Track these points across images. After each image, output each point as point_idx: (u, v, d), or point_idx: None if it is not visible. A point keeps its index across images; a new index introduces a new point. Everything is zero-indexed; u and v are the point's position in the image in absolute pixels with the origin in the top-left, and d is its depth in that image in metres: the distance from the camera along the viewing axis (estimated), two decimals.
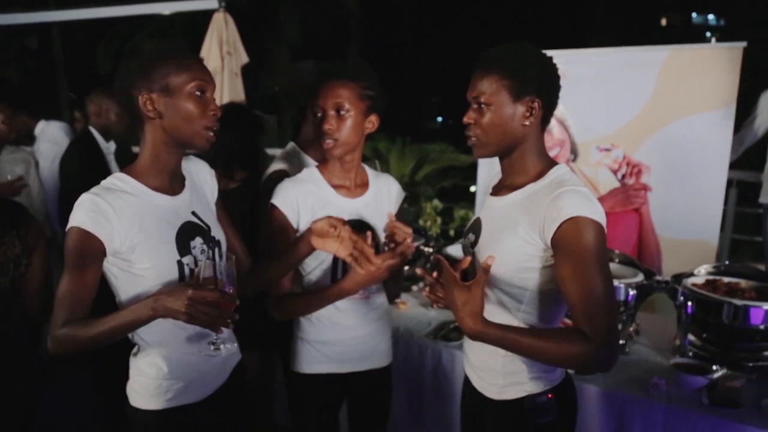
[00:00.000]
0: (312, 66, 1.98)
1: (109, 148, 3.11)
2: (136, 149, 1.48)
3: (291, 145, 2.05)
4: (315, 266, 1.61)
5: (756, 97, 3.21)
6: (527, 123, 1.27)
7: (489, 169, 3.50)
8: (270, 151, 5.61)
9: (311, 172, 1.63)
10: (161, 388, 1.33)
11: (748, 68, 2.80)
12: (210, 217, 1.44)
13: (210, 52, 4.04)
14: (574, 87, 3.18)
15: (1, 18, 5.98)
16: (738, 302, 1.87)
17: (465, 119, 1.32)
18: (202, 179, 1.49)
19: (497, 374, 1.34)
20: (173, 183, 1.37)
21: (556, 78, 1.30)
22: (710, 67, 2.84)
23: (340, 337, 1.65)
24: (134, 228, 1.24)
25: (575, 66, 3.19)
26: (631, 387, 1.84)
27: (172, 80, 1.25)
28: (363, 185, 1.66)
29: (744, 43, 2.76)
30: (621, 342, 2.09)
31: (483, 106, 1.28)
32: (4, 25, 8.86)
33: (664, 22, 20.01)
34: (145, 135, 1.31)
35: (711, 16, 20.95)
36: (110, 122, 3.05)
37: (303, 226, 1.57)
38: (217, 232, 1.43)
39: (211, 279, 1.20)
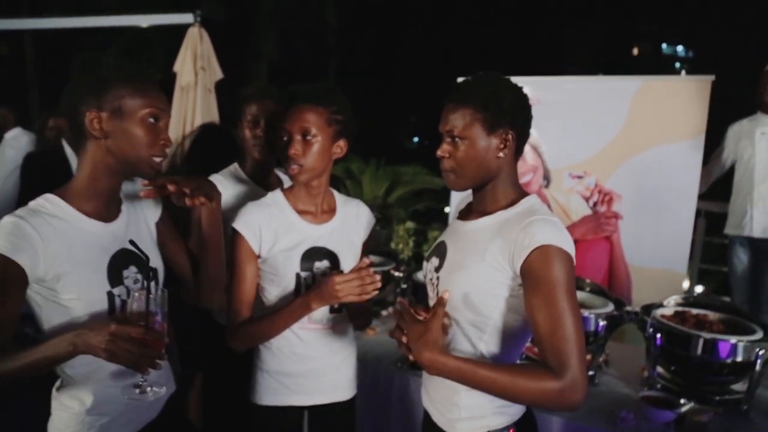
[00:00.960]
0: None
1: None
2: None
3: (234, 165, 1.96)
4: (277, 295, 1.56)
5: (724, 129, 3.28)
6: (501, 155, 1.27)
7: (463, 192, 3.49)
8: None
9: (275, 196, 1.58)
10: (84, 423, 1.25)
11: (716, 100, 2.85)
12: (149, 243, 1.36)
13: (184, 67, 3.98)
14: (548, 114, 3.20)
15: None
16: (706, 335, 1.87)
17: (439, 152, 1.31)
18: (143, 203, 1.40)
19: (458, 409, 1.30)
20: (109, 208, 1.30)
21: (529, 109, 1.30)
22: (680, 99, 2.89)
23: (301, 368, 1.59)
24: (61, 255, 1.17)
25: (550, 93, 3.21)
26: (599, 420, 1.82)
27: (126, 103, 1.20)
28: (330, 211, 1.62)
29: (712, 77, 2.82)
30: (590, 373, 2.07)
31: (457, 139, 1.27)
32: None
33: (635, 51, 20.58)
34: (85, 154, 1.23)
35: (680, 47, 21.63)
36: None
37: (264, 252, 1.52)
38: (156, 261, 1.35)
39: (142, 314, 1.11)
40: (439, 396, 1.36)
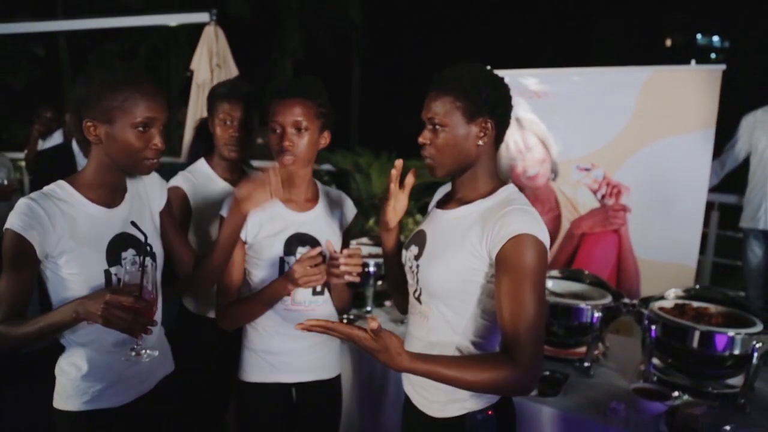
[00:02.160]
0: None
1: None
2: None
3: (201, 161, 1.99)
4: (261, 278, 1.63)
5: (738, 119, 3.20)
6: (480, 143, 1.30)
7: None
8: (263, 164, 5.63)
9: None
10: (79, 389, 1.36)
11: (741, 90, 2.79)
12: (150, 229, 1.45)
13: (200, 65, 4.08)
14: (556, 106, 3.19)
15: (9, 27, 6.06)
16: (702, 328, 1.85)
17: (420, 139, 1.34)
18: (149, 192, 1.52)
19: (438, 391, 1.33)
20: (113, 196, 1.42)
21: (509, 99, 1.33)
22: (690, 89, 2.84)
23: (285, 347, 1.67)
24: (65, 235, 1.29)
25: (557, 85, 3.19)
26: (590, 410, 1.81)
27: (117, 114, 1.29)
28: (312, 199, 1.69)
29: (723, 66, 2.76)
30: (586, 365, 2.07)
31: (437, 127, 1.30)
32: (12, 33, 9.00)
33: (668, 42, 20.07)
34: (92, 151, 1.38)
35: (716, 38, 20.99)
36: None
37: (251, 239, 1.61)
38: (155, 245, 1.45)
39: (135, 285, 1.21)
40: (419, 379, 1.39)
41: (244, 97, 1.89)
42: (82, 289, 1.30)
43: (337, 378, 1.79)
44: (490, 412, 1.31)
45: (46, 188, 1.33)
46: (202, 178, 1.93)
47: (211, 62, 4.05)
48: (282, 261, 1.61)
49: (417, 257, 1.39)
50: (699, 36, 20.81)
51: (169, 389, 1.55)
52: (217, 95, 1.91)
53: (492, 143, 1.33)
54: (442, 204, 1.44)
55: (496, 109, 1.29)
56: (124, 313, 1.16)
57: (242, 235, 1.59)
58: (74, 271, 1.30)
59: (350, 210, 1.77)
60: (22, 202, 1.27)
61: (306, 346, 1.68)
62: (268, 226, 1.60)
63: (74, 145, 3.03)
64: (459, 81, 1.28)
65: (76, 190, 1.35)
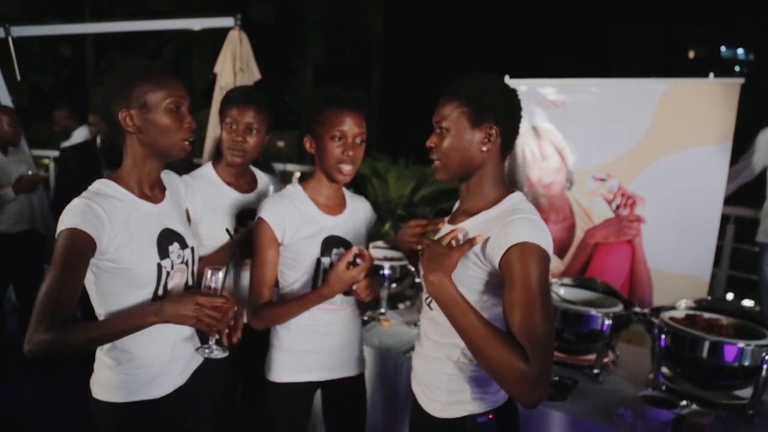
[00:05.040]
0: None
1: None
2: None
3: (207, 166, 2.03)
4: (296, 278, 1.68)
5: (755, 133, 3.19)
6: (485, 149, 1.32)
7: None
8: (289, 167, 5.71)
9: (296, 189, 1.71)
10: (122, 382, 1.40)
11: (765, 103, 2.79)
12: (185, 226, 1.53)
13: (224, 68, 4.16)
14: (573, 116, 3.22)
15: (39, 29, 6.22)
16: (711, 338, 1.86)
17: (427, 143, 1.38)
18: (178, 191, 1.59)
19: (441, 391, 1.37)
20: (154, 191, 1.46)
21: (516, 108, 1.35)
22: (708, 102, 2.85)
23: (316, 345, 1.72)
24: (122, 230, 1.32)
25: (575, 95, 3.22)
26: (597, 416, 1.83)
27: (150, 98, 1.33)
28: (342, 204, 1.76)
29: (741, 80, 2.77)
30: (595, 371, 2.09)
31: (443, 130, 1.33)
32: (41, 35, 9.21)
33: (692, 54, 19.90)
34: (126, 147, 1.41)
35: (740, 50, 20.76)
36: None
37: (287, 240, 1.64)
38: (191, 241, 1.52)
39: (216, 288, 1.33)
40: (425, 378, 1.43)
41: (254, 104, 1.91)
42: (133, 283, 1.35)
43: (362, 376, 1.84)
44: (491, 416, 1.34)
45: (93, 187, 1.36)
46: (203, 182, 1.95)
47: (235, 66, 4.13)
48: (318, 262, 1.66)
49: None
50: (723, 48, 20.60)
51: (202, 382, 1.60)
52: (227, 100, 1.95)
53: (498, 151, 1.34)
54: (453, 218, 1.45)
55: (501, 117, 1.31)
56: (215, 312, 1.27)
57: (279, 236, 1.63)
58: (129, 265, 1.34)
59: (371, 214, 1.86)
60: (77, 202, 1.29)
61: (336, 342, 1.73)
62: (305, 228, 1.65)
63: (99, 143, 3.12)
64: (466, 87, 1.32)
65: (121, 186, 1.38)
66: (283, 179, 4.19)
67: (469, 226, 1.34)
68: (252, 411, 2.17)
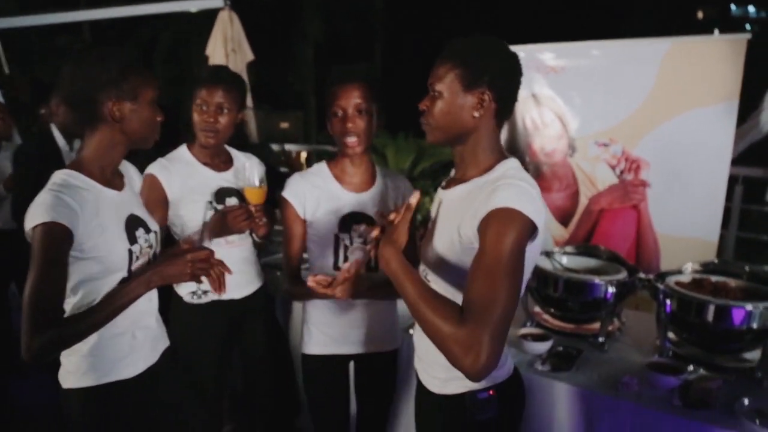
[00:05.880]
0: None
1: (72, 147, 2.99)
2: None
3: (182, 147, 2.02)
4: (319, 253, 1.75)
5: (765, 90, 3.09)
6: (476, 114, 1.25)
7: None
8: (295, 147, 5.65)
9: (320, 167, 1.75)
10: (92, 365, 1.41)
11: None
12: (145, 212, 1.57)
13: (215, 50, 4.11)
14: (573, 81, 3.14)
15: (33, 18, 6.15)
16: (718, 302, 1.81)
17: (420, 105, 1.33)
18: (132, 178, 1.61)
19: (440, 367, 1.33)
20: (115, 179, 1.49)
21: (514, 74, 1.27)
22: (713, 60, 2.75)
23: (340, 321, 1.76)
24: (93, 219, 1.34)
25: (575, 59, 3.13)
26: (602, 385, 1.80)
27: (140, 90, 1.39)
28: (369, 181, 1.76)
29: (748, 35, 2.66)
30: (600, 340, 2.05)
31: (436, 93, 1.27)
32: (36, 26, 9.15)
33: (700, 14, 19.39)
34: (94, 134, 1.41)
35: (751, 8, 20.21)
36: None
37: (309, 216, 1.72)
38: (153, 225, 1.57)
39: (194, 240, 1.50)
40: (425, 355, 1.40)
41: (223, 83, 1.88)
42: (106, 269, 1.37)
43: (395, 352, 1.86)
44: (491, 392, 1.30)
45: (57, 179, 1.34)
46: (179, 164, 1.94)
47: (226, 47, 4.08)
48: (337, 238, 1.70)
49: (421, 238, 1.41)
50: (733, 7, 20.06)
51: (172, 363, 1.65)
52: (196, 80, 1.91)
53: (492, 117, 1.27)
54: (447, 184, 1.41)
55: (496, 82, 1.23)
56: (206, 263, 1.41)
57: (301, 213, 1.71)
58: (103, 253, 1.35)
59: (408, 190, 1.82)
60: (46, 196, 1.28)
61: (360, 318, 1.76)
62: (325, 204, 1.70)
63: (54, 130, 2.98)
64: (462, 50, 1.26)
65: (85, 176, 1.38)
66: (287, 161, 4.14)
67: (459, 194, 1.30)
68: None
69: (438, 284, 1.30)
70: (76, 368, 1.41)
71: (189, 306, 1.96)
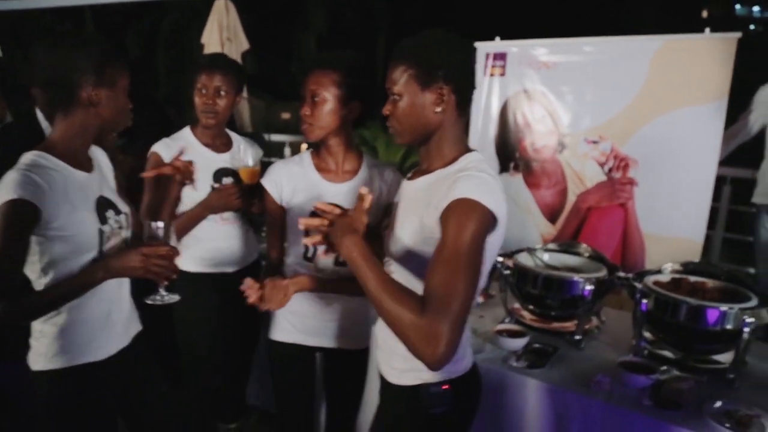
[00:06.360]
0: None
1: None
2: None
3: (186, 129, 2.21)
4: (293, 240, 1.76)
5: (753, 90, 3.07)
6: (438, 110, 1.26)
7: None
8: (295, 138, 5.63)
9: (304, 155, 1.76)
10: (63, 347, 1.43)
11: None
12: (115, 194, 1.61)
13: (211, 38, 4.10)
14: (564, 77, 3.12)
15: (34, 1, 6.12)
16: (692, 302, 1.81)
17: (383, 111, 1.33)
18: (103, 163, 1.65)
19: (398, 357, 1.34)
20: (85, 161, 1.51)
21: (467, 63, 1.29)
22: (703, 59, 2.73)
23: (307, 310, 1.76)
24: (61, 199, 1.36)
25: (567, 55, 3.11)
26: (575, 383, 1.80)
27: (117, 78, 1.45)
28: (353, 171, 1.73)
29: (738, 34, 2.64)
30: (577, 337, 2.05)
31: (396, 96, 1.28)
32: (38, 9, 9.12)
33: (705, 13, 19.26)
34: (67, 117, 1.44)
35: (756, 8, 20.08)
36: None
37: (285, 203, 1.73)
38: (124, 207, 1.60)
39: (157, 238, 1.42)
40: (384, 344, 1.41)
41: (221, 68, 2.06)
42: (77, 249, 1.40)
43: (365, 350, 1.83)
44: (445, 386, 1.31)
45: (27, 160, 1.38)
46: (181, 144, 2.04)
47: (222, 36, 4.07)
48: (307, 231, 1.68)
49: (385, 228, 1.41)
50: (738, 7, 19.93)
51: (144, 347, 1.67)
52: (196, 66, 2.10)
53: (453, 109, 1.28)
54: (412, 175, 1.42)
55: (451, 74, 1.24)
56: (162, 261, 1.37)
57: (277, 200, 1.72)
58: (73, 232, 1.38)
59: (396, 181, 1.75)
60: (14, 175, 1.31)
61: (328, 311, 1.75)
62: (302, 193, 1.70)
63: (38, 113, 2.98)
64: (411, 49, 1.26)
65: (55, 157, 1.41)
66: (282, 150, 4.14)
67: (423, 184, 1.32)
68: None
69: (400, 274, 1.31)
70: (46, 350, 1.43)
71: (182, 273, 2.03)
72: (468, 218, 1.10)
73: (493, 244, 1.20)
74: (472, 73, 1.29)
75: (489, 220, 1.13)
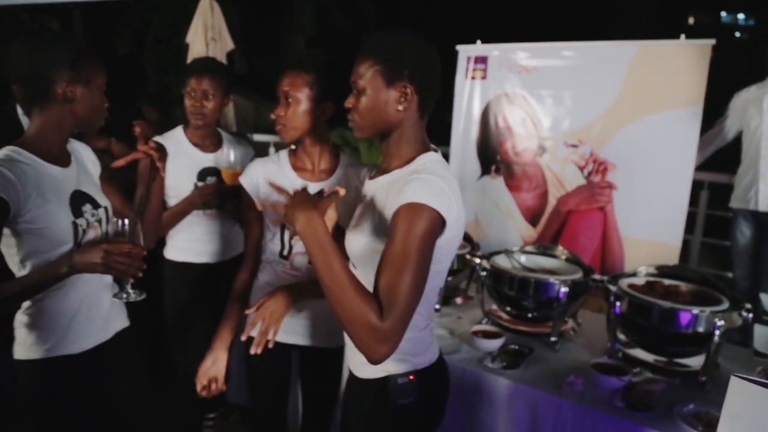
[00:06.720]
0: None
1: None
2: None
3: (178, 128, 2.30)
4: (269, 238, 1.74)
5: (729, 96, 3.12)
6: (400, 108, 1.27)
7: (461, 158, 3.48)
8: (261, 138, 5.60)
9: (282, 154, 1.76)
10: (41, 337, 1.45)
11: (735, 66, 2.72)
12: (95, 189, 1.62)
13: (195, 39, 4.08)
14: (545, 81, 3.15)
15: None
16: (665, 305, 1.83)
17: (345, 103, 1.34)
18: (85, 158, 1.66)
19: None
20: (61, 156, 1.52)
21: (433, 65, 1.30)
22: (679, 64, 2.77)
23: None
24: (33, 193, 1.39)
25: (547, 60, 3.14)
26: (547, 384, 1.82)
27: (93, 75, 1.47)
28: (329, 171, 1.73)
29: (713, 41, 2.69)
30: (552, 339, 2.07)
31: (360, 90, 1.29)
32: (26, 5, 9.04)
33: (691, 21, 19.47)
34: (42, 113, 1.46)
35: (741, 16, 20.35)
36: None
37: (262, 201, 1.73)
38: (103, 201, 1.60)
39: (121, 235, 1.42)
40: (350, 339, 1.41)
41: (209, 72, 2.15)
42: (52, 241, 1.41)
43: (340, 349, 1.81)
44: (411, 378, 1.32)
45: (1, 155, 1.39)
46: (170, 143, 2.19)
47: (206, 36, 4.04)
48: (283, 227, 1.70)
49: (347, 227, 1.42)
50: (723, 14, 20.19)
51: (127, 343, 1.67)
52: (186, 70, 2.21)
53: (415, 109, 1.29)
54: (373, 175, 1.43)
55: (415, 74, 1.26)
56: (123, 257, 1.35)
57: (255, 197, 1.72)
58: (46, 224, 1.39)
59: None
60: None
61: (306, 310, 1.74)
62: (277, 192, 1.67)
63: (18, 109, 2.99)
64: (380, 45, 1.28)
65: (29, 152, 1.43)
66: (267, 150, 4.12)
67: (381, 184, 1.33)
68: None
69: (358, 272, 1.32)
70: (25, 340, 1.46)
71: (167, 262, 2.31)
72: (414, 222, 1.12)
73: (449, 242, 1.22)
74: (436, 78, 1.30)
75: (437, 223, 1.15)
